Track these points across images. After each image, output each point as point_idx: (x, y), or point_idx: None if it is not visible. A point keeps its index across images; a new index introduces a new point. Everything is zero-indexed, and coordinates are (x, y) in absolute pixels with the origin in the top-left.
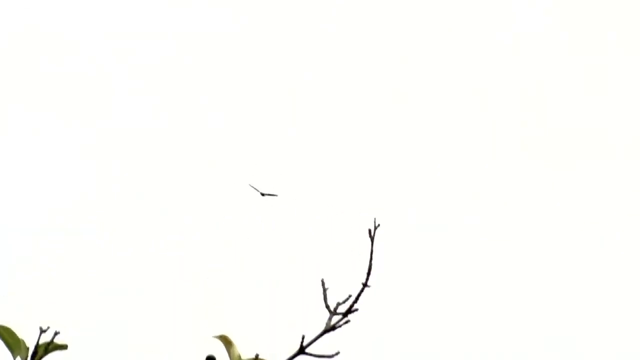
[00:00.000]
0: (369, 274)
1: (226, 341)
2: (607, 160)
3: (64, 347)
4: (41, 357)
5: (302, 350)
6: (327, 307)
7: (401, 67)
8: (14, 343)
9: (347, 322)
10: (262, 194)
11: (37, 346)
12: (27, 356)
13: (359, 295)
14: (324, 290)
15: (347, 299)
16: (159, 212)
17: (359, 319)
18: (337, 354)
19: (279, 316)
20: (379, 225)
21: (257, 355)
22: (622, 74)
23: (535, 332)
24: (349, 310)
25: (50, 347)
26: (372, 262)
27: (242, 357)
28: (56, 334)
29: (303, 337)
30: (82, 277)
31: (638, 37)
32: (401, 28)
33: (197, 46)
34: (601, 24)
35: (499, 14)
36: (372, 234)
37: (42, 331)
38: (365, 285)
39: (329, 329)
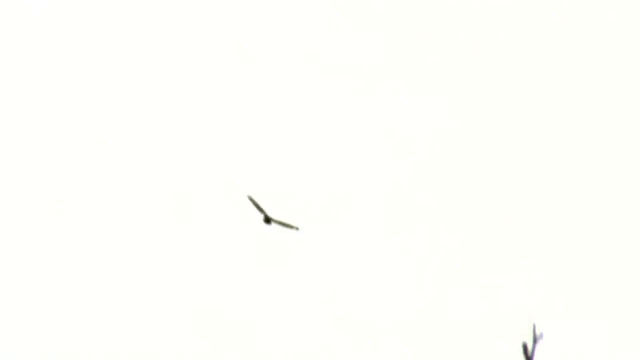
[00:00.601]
0: None
1: None
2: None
3: None
4: None
5: None
6: None
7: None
8: None
9: None
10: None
11: None
12: None
13: None
14: None
15: None
16: (160, 211)
17: None
18: None
19: None
20: (541, 334)
21: None
22: (622, 73)
23: None
24: None
25: None
26: None
27: None
28: None
29: None
30: (82, 276)
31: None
32: (402, 27)
33: (197, 45)
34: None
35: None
36: (531, 350)
37: None
38: None
39: None
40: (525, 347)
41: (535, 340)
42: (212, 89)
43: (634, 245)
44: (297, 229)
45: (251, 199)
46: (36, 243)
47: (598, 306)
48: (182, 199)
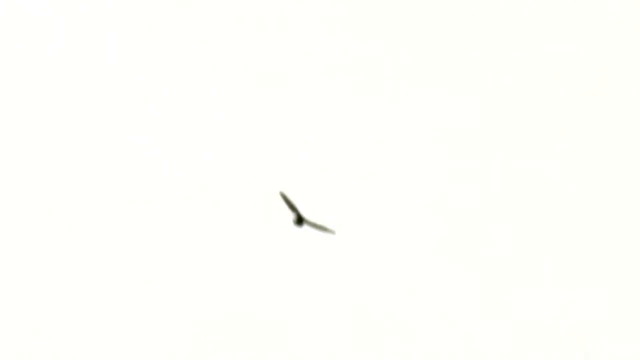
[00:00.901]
0: None
1: None
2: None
3: None
4: None
5: None
6: None
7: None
8: None
9: None
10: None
11: None
12: None
13: None
14: None
15: None
16: (161, 212)
17: None
18: None
19: None
20: None
21: None
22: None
23: None
24: None
25: None
26: None
27: None
28: None
29: None
30: (81, 276)
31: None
32: (411, 27)
33: (197, 42)
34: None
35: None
36: None
37: None
38: None
39: None
40: None
41: None
42: (249, 86)
43: None
44: (333, 232)
45: (284, 197)
46: (65, 237)
47: None
48: (205, 197)
